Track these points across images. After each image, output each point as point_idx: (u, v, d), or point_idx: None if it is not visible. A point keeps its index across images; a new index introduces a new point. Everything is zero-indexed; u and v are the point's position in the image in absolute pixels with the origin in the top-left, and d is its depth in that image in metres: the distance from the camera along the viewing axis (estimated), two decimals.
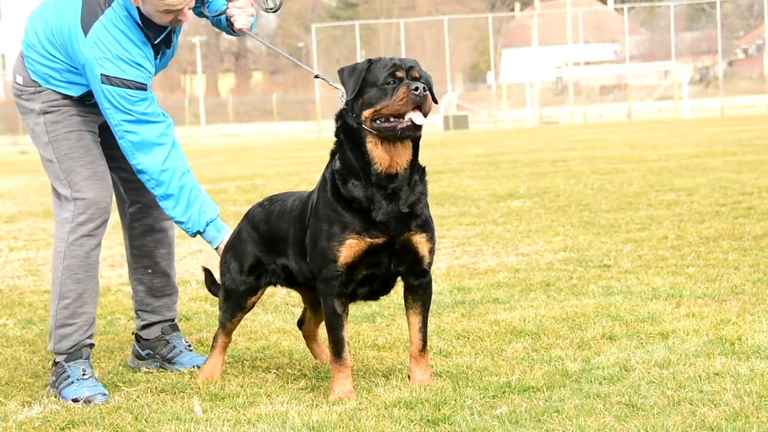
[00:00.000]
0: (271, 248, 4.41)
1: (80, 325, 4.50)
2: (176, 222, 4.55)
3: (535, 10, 69.73)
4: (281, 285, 4.50)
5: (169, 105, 65.09)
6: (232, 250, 4.53)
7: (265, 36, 77.40)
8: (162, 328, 4.91)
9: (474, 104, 60.16)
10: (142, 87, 4.33)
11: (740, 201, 10.38)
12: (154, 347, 4.88)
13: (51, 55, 4.42)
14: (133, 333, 5.01)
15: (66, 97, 4.49)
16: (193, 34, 62.14)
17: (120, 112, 4.33)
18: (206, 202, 4.52)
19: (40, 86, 4.48)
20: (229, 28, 4.70)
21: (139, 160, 4.41)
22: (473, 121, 51.94)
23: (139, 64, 4.34)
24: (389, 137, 3.94)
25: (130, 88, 4.31)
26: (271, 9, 4.67)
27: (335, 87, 4.30)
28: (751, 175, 13.37)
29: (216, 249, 4.59)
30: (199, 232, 4.53)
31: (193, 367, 4.75)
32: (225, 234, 4.58)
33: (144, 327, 4.91)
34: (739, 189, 11.56)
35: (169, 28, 4.46)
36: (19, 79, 4.53)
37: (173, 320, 4.95)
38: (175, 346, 4.88)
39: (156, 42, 4.43)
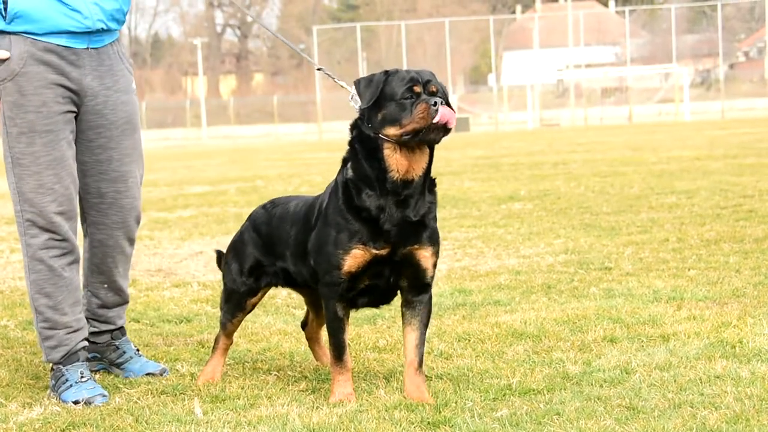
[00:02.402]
0: (272, 251, 4.41)
1: (65, 333, 4.45)
2: None
3: (536, 12, 69.76)
4: (281, 286, 4.50)
5: (170, 106, 65.11)
6: (233, 251, 4.54)
7: (266, 38, 77.42)
8: (112, 334, 4.84)
9: (475, 106, 60.16)
10: None
11: (741, 204, 10.38)
12: (102, 351, 4.82)
13: None
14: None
15: (12, 76, 4.30)
16: (194, 35, 62.15)
17: None
18: None
19: None
20: None
21: None
22: (474, 124, 51.94)
23: None
24: (417, 141, 3.91)
25: None
26: None
27: (341, 84, 4.27)
28: (752, 177, 13.37)
29: None
30: None
31: (147, 374, 4.68)
32: None
33: (94, 333, 4.81)
34: (740, 192, 11.56)
35: None
36: None
37: (122, 327, 4.89)
38: (125, 352, 4.82)
39: None
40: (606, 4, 73.58)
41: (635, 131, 35.31)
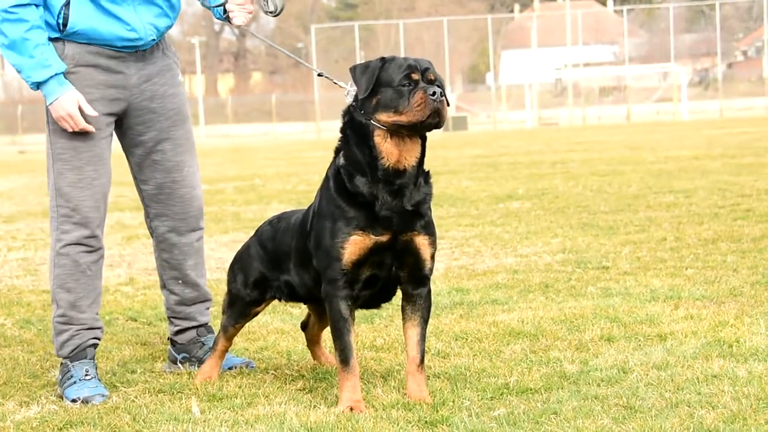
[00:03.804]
0: (276, 265, 4.38)
1: (78, 330, 4.49)
2: (16, 69, 4.34)
3: (534, 11, 69.78)
4: (285, 301, 4.48)
5: None
6: (240, 262, 4.53)
7: (264, 36, 77.27)
8: (197, 330, 4.87)
9: (473, 105, 60.19)
10: None
11: (739, 203, 10.39)
12: (189, 350, 4.85)
13: None
14: (168, 339, 4.97)
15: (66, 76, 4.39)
16: (192, 34, 62.12)
17: None
18: (54, 57, 4.34)
19: None
20: (227, 21, 4.68)
21: None
22: (472, 123, 51.93)
23: None
24: (409, 129, 3.87)
25: None
26: (271, 12, 4.62)
27: (339, 85, 4.24)
28: (749, 177, 13.38)
29: (50, 105, 4.37)
30: (37, 86, 4.35)
31: (229, 368, 4.71)
32: (65, 92, 4.32)
33: (178, 333, 4.88)
34: (738, 191, 11.57)
35: None
36: None
37: (207, 324, 4.91)
38: (210, 347, 4.85)
39: None
40: (604, 4, 73.59)
41: (633, 130, 35.32)
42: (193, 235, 4.78)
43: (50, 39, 4.39)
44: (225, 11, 4.62)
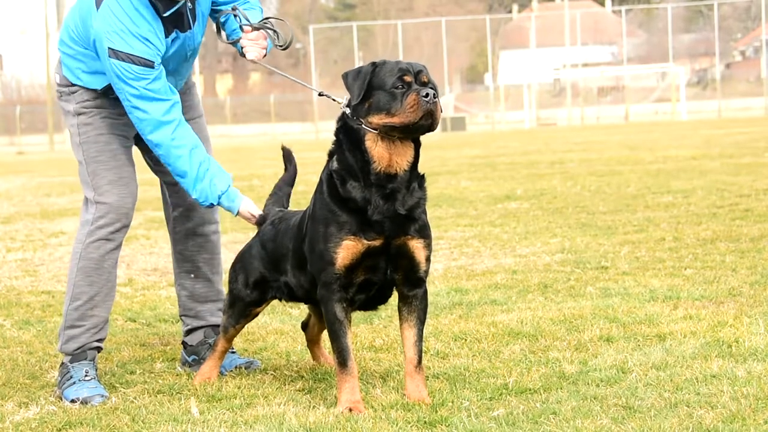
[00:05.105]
0: (276, 266, 4.39)
1: (88, 328, 4.51)
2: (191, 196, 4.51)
3: (532, 11, 69.78)
4: (285, 300, 4.49)
5: None
6: (241, 262, 4.55)
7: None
8: (204, 331, 4.88)
9: (471, 106, 60.19)
10: (149, 64, 4.28)
11: (737, 203, 10.39)
12: (198, 352, 4.86)
13: (76, 44, 4.43)
14: (182, 342, 4.99)
15: (97, 97, 4.48)
16: None
17: (127, 86, 4.29)
18: (216, 174, 4.45)
19: (72, 85, 4.50)
20: (242, 55, 4.72)
21: (150, 136, 4.38)
22: (471, 123, 51.95)
23: (147, 39, 4.28)
24: (401, 131, 3.87)
25: (136, 63, 4.26)
26: (280, 46, 4.68)
27: (338, 102, 4.21)
28: (748, 177, 13.38)
29: (237, 214, 4.54)
30: (212, 205, 4.50)
31: (235, 368, 4.72)
32: (240, 202, 4.50)
33: (188, 332, 4.89)
34: (736, 191, 11.57)
35: (181, 3, 4.37)
36: (57, 78, 4.58)
37: (218, 325, 4.90)
38: None
39: (166, 15, 4.33)
40: (603, 4, 73.63)
41: (632, 130, 35.34)
42: (209, 228, 4.83)
43: (91, 93, 4.49)
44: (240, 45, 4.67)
